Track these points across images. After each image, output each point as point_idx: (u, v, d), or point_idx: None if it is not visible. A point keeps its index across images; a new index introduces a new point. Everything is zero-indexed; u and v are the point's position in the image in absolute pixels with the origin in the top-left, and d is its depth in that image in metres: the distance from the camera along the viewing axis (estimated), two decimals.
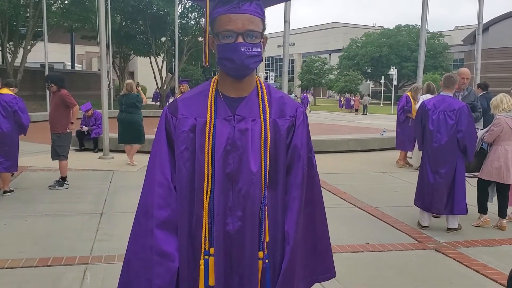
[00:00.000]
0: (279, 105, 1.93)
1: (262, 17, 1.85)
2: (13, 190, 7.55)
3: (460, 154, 5.87)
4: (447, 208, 5.93)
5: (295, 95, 49.18)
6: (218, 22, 1.81)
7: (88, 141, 12.51)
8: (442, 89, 6.18)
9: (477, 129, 7.50)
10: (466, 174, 6.57)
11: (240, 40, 1.78)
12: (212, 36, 1.87)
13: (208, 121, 1.84)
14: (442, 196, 5.90)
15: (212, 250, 1.83)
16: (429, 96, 9.71)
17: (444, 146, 5.87)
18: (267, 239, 1.86)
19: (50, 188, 7.86)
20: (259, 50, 1.83)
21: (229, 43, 1.79)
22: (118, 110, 10.67)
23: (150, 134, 12.65)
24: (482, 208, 6.29)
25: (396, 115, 11.19)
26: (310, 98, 52.21)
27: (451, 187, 5.88)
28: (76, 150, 12.09)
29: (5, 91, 7.56)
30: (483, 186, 6.29)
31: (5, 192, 7.42)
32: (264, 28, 1.86)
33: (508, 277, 1.64)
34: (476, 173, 6.42)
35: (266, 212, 1.85)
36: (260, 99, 1.90)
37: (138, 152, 10.98)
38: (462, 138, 5.79)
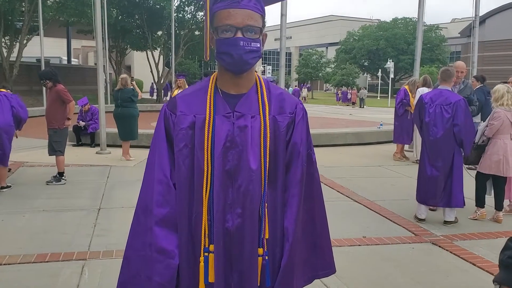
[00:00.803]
0: (279, 102, 1.93)
1: (262, 13, 1.85)
2: (10, 186, 7.55)
3: (457, 147, 5.90)
4: (444, 201, 5.96)
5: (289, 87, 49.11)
6: (217, 17, 1.81)
7: (85, 136, 12.50)
8: (440, 83, 6.19)
9: (476, 123, 7.49)
10: (467, 166, 6.59)
11: (239, 35, 1.78)
12: (211, 32, 1.86)
13: (207, 118, 1.84)
14: (439, 189, 5.93)
15: (211, 247, 1.83)
16: (425, 89, 9.74)
17: (440, 139, 5.89)
18: (266, 236, 1.86)
19: (47, 184, 7.85)
20: (258, 45, 1.83)
21: (228, 38, 1.79)
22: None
23: (146, 129, 12.67)
24: (480, 202, 6.31)
25: (394, 109, 11.21)
26: (305, 91, 52.43)
27: (448, 180, 5.91)
28: (73, 145, 12.10)
29: (1, 90, 7.60)
30: (481, 180, 6.30)
31: (2, 187, 7.40)
32: (263, 25, 1.86)
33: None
34: (476, 166, 6.44)
35: (266, 209, 1.85)
36: (260, 96, 1.89)
37: (135, 147, 10.97)
38: (458, 132, 5.81)
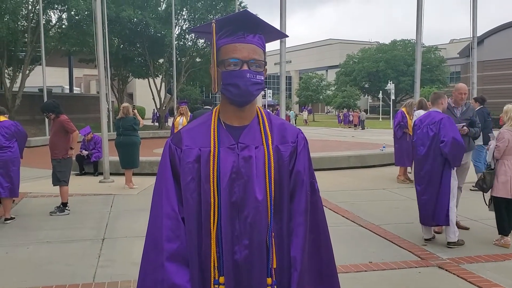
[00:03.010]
0: (280, 132, 1.95)
1: (264, 49, 1.91)
2: (14, 218, 7.53)
3: (446, 166, 5.90)
4: (434, 219, 5.99)
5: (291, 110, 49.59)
6: (223, 51, 1.86)
7: (88, 165, 12.51)
8: (432, 106, 6.32)
9: (479, 145, 7.42)
10: (471, 187, 6.52)
11: (245, 67, 1.83)
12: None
13: (212, 150, 1.86)
14: (427, 207, 5.99)
15: (222, 279, 1.83)
16: (422, 111, 9.80)
17: (424, 156, 6.03)
18: (274, 266, 1.86)
19: (51, 214, 7.84)
20: (262, 78, 1.88)
21: (235, 70, 1.83)
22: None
23: (149, 156, 12.70)
24: (502, 229, 6.06)
25: (393, 131, 11.25)
26: (306, 114, 53.05)
27: (436, 198, 5.92)
28: (76, 175, 12.08)
29: (2, 118, 7.62)
30: (497, 204, 6.07)
31: (6, 219, 7.40)
32: (265, 60, 1.91)
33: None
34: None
35: (272, 239, 1.86)
36: (262, 127, 1.92)
37: (138, 174, 10.98)
38: (442, 146, 5.85)
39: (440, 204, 5.88)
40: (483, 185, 6.12)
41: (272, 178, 1.85)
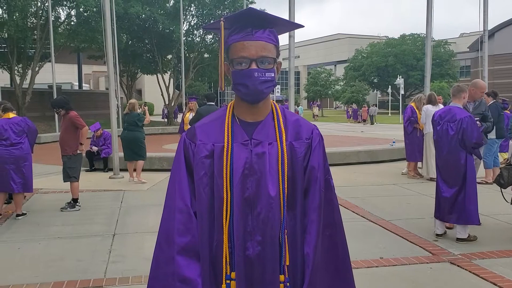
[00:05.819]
0: (295, 128, 1.95)
1: (276, 43, 1.89)
2: (26, 213, 7.58)
3: (469, 163, 5.83)
4: (454, 218, 5.91)
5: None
6: (232, 49, 1.86)
7: (98, 161, 12.56)
8: (451, 99, 6.19)
9: (491, 139, 7.31)
10: (478, 180, 6.43)
11: (254, 66, 1.82)
12: (227, 63, 1.91)
13: (225, 146, 1.86)
14: (447, 205, 5.92)
15: (233, 275, 1.83)
16: (430, 106, 9.71)
17: (445, 156, 5.93)
18: (287, 262, 1.86)
19: (62, 210, 7.88)
20: (273, 75, 1.87)
21: (243, 69, 1.82)
22: None
23: (158, 152, 12.73)
24: None
25: (403, 127, 11.19)
26: (316, 109, 52.60)
27: (459, 196, 5.85)
28: (86, 171, 12.11)
29: (11, 114, 7.65)
30: None
31: (17, 215, 7.45)
32: (278, 54, 1.90)
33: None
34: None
35: (285, 236, 1.85)
36: (276, 123, 1.92)
37: (148, 170, 11.00)
38: (464, 145, 5.79)
39: (468, 203, 5.78)
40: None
41: (285, 175, 1.86)
